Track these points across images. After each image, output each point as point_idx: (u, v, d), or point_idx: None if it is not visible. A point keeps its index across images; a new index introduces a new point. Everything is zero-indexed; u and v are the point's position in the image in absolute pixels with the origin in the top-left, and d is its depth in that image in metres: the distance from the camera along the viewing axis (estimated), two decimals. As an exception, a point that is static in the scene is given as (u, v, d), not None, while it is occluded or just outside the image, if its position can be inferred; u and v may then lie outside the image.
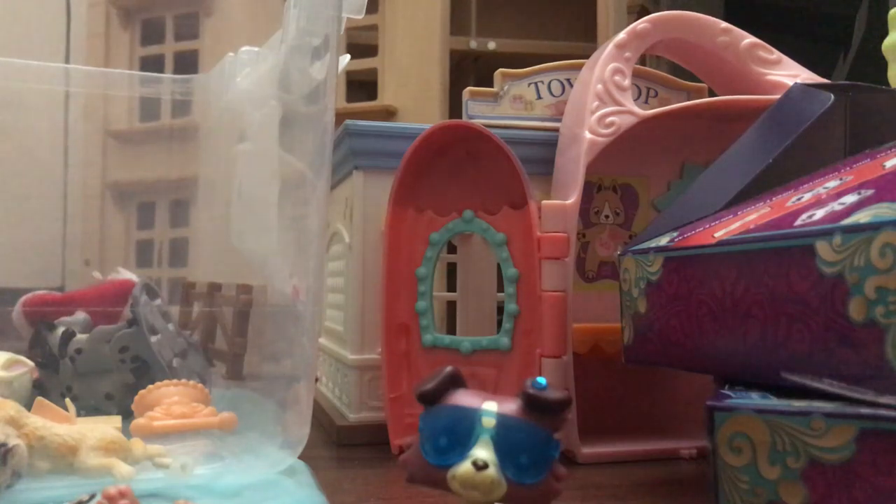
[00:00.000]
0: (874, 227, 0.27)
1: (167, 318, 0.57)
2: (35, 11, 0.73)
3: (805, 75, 0.54)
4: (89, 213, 0.69)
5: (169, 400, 0.46)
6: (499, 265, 0.51)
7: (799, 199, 0.35)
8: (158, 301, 0.57)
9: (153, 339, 0.53)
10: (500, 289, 0.52)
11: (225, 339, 0.61)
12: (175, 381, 0.48)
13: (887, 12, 0.57)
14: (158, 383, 0.47)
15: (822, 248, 0.29)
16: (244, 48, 0.57)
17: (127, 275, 0.61)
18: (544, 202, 0.49)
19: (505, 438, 0.27)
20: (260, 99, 0.54)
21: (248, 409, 0.49)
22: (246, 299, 0.59)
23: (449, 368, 0.29)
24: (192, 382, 0.48)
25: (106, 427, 0.39)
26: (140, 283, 0.56)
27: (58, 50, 0.72)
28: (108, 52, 0.81)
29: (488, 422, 0.27)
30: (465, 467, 0.27)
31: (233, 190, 0.59)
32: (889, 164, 0.33)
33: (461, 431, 0.28)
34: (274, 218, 0.52)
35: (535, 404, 0.28)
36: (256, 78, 0.55)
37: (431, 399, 0.29)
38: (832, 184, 0.35)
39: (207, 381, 0.54)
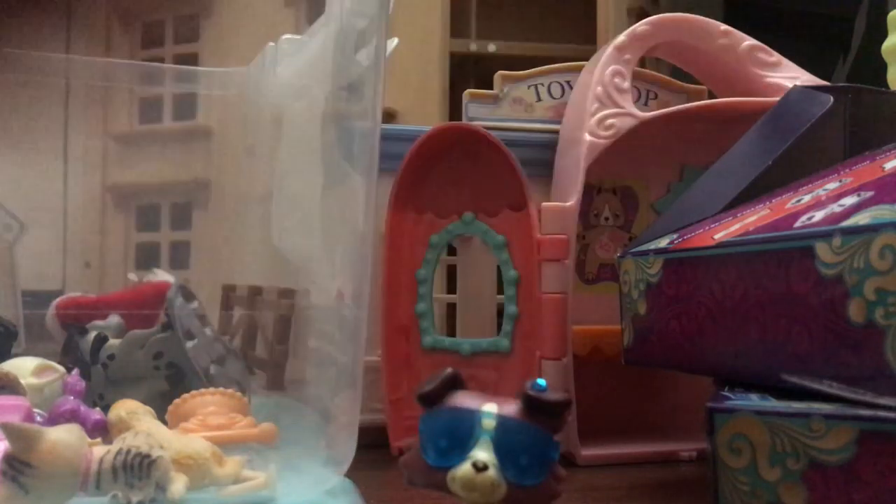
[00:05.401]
0: (874, 228, 0.27)
1: (204, 322, 0.54)
2: (34, 13, 0.73)
3: (804, 77, 0.54)
4: (89, 215, 0.69)
5: (205, 410, 0.43)
6: (499, 267, 0.51)
7: (798, 200, 0.35)
8: (195, 304, 0.53)
9: (189, 344, 0.49)
10: (500, 291, 0.52)
11: (265, 346, 0.58)
12: (212, 389, 0.44)
13: (886, 14, 0.57)
14: (194, 392, 0.44)
15: (821, 249, 0.29)
16: (285, 36, 0.55)
17: (164, 276, 0.58)
18: (544, 204, 0.49)
19: (505, 440, 0.27)
20: (301, 89, 0.51)
21: (290, 421, 0.46)
22: (287, 304, 0.55)
23: (449, 370, 0.29)
24: (229, 391, 0.45)
25: (195, 441, 0.37)
26: (175, 285, 0.53)
27: (58, 51, 0.71)
28: (108, 54, 0.81)
29: (488, 423, 0.27)
30: (464, 469, 0.27)
31: (273, 187, 0.57)
32: (889, 165, 0.33)
33: (461, 433, 0.28)
34: (317, 216, 0.49)
35: (534, 406, 0.28)
36: (297, 67, 0.53)
37: (431, 401, 0.29)
38: (832, 186, 0.35)
39: (246, 389, 0.51)
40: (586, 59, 0.57)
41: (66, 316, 0.55)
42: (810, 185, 0.38)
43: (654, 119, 0.51)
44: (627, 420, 0.56)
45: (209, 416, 0.42)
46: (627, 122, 0.51)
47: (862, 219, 0.28)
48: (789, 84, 0.51)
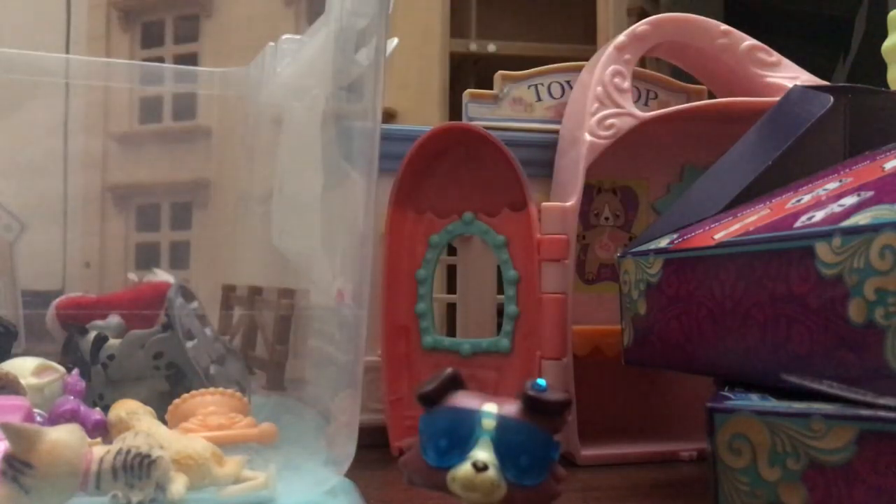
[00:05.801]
0: (874, 228, 0.27)
1: (204, 323, 0.54)
2: (34, 13, 0.73)
3: (804, 77, 0.54)
4: (89, 215, 0.69)
5: (205, 410, 0.43)
6: (499, 267, 0.51)
7: (798, 200, 0.35)
8: (195, 304, 0.53)
9: (189, 344, 0.49)
10: (500, 291, 0.52)
11: (265, 346, 0.58)
12: (212, 389, 0.45)
13: (886, 14, 0.57)
14: (194, 392, 0.44)
15: (821, 249, 0.29)
16: (285, 36, 0.55)
17: (164, 276, 0.58)
18: (544, 204, 0.49)
19: (505, 440, 0.27)
20: (301, 90, 0.51)
21: (290, 421, 0.46)
22: (287, 304, 0.55)
23: (449, 370, 0.29)
24: (229, 391, 0.45)
25: (195, 442, 0.37)
26: (175, 284, 0.53)
27: (58, 51, 0.71)
28: (108, 54, 0.81)
29: (488, 423, 0.27)
30: (465, 469, 0.27)
31: (273, 187, 0.57)
32: (889, 165, 0.33)
33: (461, 433, 0.28)
34: (317, 216, 0.50)
35: (535, 406, 0.28)
36: (297, 68, 0.53)
37: (431, 401, 0.29)
38: (832, 186, 0.35)
39: (246, 389, 0.51)
40: (586, 59, 0.57)
41: (66, 316, 0.55)
42: (810, 185, 0.38)
43: (654, 119, 0.51)
44: (627, 420, 0.56)
45: (209, 416, 0.42)
46: (627, 122, 0.51)
47: (862, 219, 0.28)
48: (789, 84, 0.51)
